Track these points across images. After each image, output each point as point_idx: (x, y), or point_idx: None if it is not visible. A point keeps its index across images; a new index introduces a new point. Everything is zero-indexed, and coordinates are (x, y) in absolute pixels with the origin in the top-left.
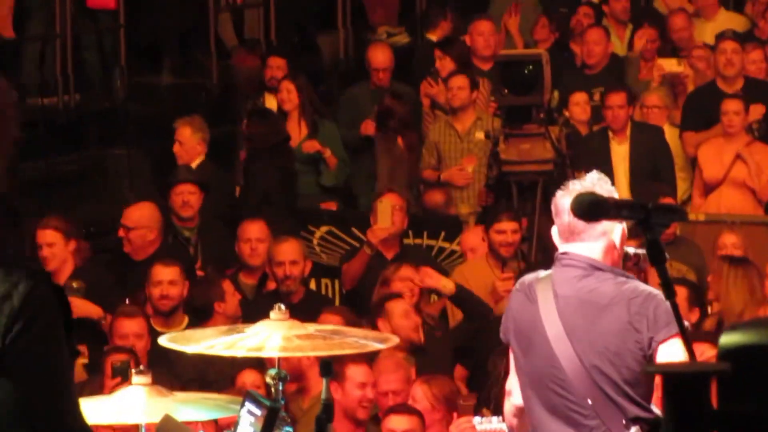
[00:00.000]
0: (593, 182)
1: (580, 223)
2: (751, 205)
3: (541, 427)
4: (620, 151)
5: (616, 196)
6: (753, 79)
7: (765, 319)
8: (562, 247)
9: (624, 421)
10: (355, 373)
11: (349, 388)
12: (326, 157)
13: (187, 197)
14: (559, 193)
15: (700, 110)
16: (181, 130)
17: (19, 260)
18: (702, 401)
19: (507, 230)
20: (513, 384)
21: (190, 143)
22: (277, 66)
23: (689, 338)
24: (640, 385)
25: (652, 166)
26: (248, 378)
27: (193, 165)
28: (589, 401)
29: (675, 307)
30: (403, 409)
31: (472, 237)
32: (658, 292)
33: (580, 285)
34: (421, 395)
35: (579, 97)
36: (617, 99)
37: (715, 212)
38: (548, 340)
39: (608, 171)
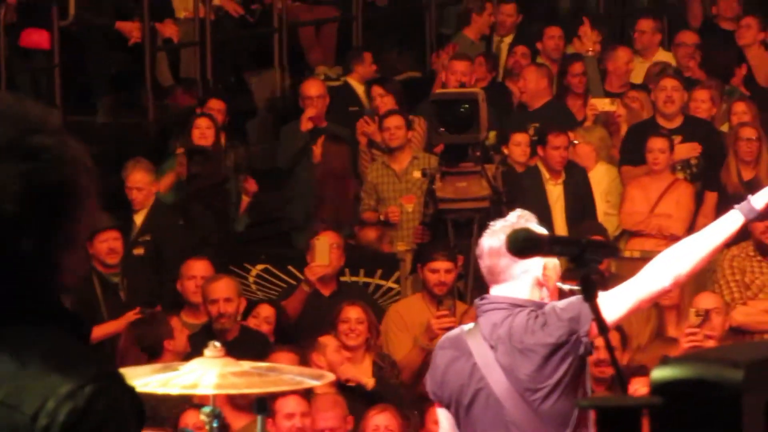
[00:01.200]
0: (516, 221)
1: (499, 265)
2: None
3: None
4: (556, 192)
5: (542, 231)
6: (692, 117)
7: (698, 353)
8: (491, 290)
9: None
10: (283, 405)
11: (279, 420)
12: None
13: (112, 244)
14: (486, 234)
15: (639, 146)
16: (134, 176)
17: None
18: None
19: (441, 269)
20: None
21: (147, 188)
22: (218, 109)
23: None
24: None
25: (581, 205)
26: (190, 418)
27: (147, 207)
28: None
29: (608, 343)
30: None
31: None
32: (558, 302)
33: (504, 326)
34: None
35: (519, 138)
36: (558, 141)
37: (641, 249)
38: (492, 391)
39: (545, 209)
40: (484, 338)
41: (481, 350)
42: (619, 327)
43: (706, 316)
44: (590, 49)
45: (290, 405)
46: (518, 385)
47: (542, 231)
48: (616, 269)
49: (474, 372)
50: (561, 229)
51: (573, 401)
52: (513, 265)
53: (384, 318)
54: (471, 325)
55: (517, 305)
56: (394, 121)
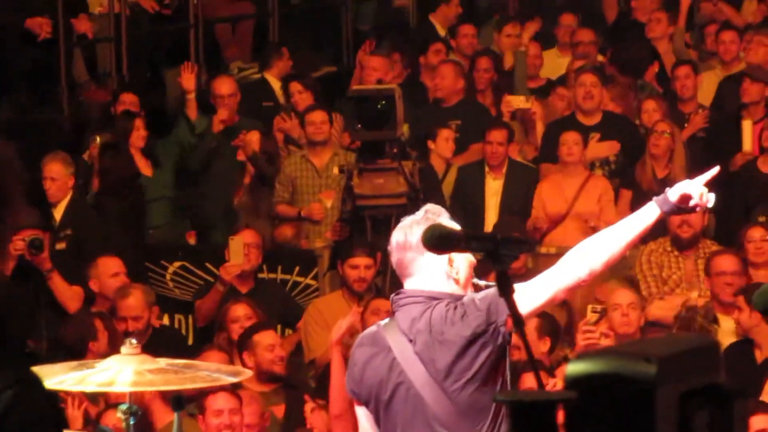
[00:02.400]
0: (423, 215)
1: (406, 258)
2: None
3: None
4: (494, 186)
5: (454, 225)
6: (611, 113)
7: (611, 348)
8: (405, 284)
9: None
10: (213, 402)
11: (208, 417)
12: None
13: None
14: (398, 228)
15: (558, 143)
16: (50, 167)
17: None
18: (548, 429)
19: (360, 265)
20: None
21: (62, 179)
22: (129, 102)
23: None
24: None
25: (521, 204)
26: (110, 418)
27: (64, 201)
28: None
29: (524, 336)
30: None
31: None
32: (477, 293)
33: (423, 319)
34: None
35: (446, 134)
36: (498, 135)
37: (558, 246)
38: (412, 384)
39: (480, 204)
40: (402, 332)
41: (400, 344)
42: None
43: (603, 313)
44: (524, 45)
45: (219, 402)
46: (438, 377)
47: (454, 226)
48: (533, 265)
49: (393, 366)
50: (491, 223)
51: (492, 392)
52: (419, 258)
53: (304, 315)
54: (387, 320)
55: (434, 298)
56: (319, 116)
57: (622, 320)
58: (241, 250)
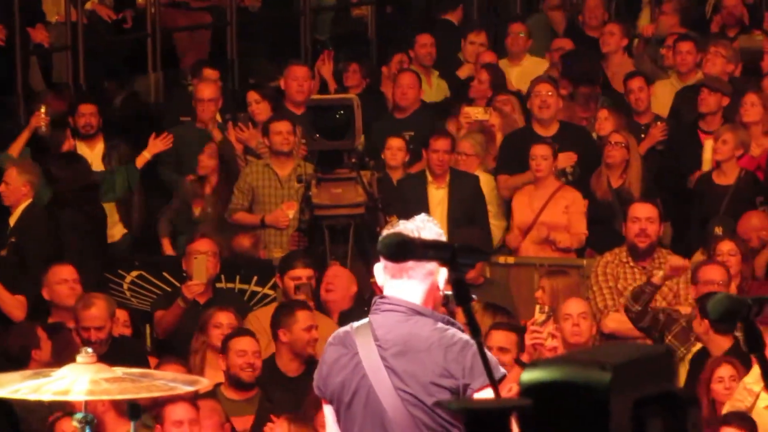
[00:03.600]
0: (422, 223)
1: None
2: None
3: None
4: (438, 196)
5: (444, 238)
6: (568, 123)
7: (565, 355)
8: (387, 285)
9: None
10: (172, 412)
11: (167, 428)
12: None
13: None
14: (385, 232)
15: (515, 154)
16: (9, 172)
17: None
18: None
19: (302, 276)
20: None
21: (15, 184)
22: (89, 113)
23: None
24: (459, 425)
25: (467, 212)
26: (67, 426)
27: (20, 208)
28: None
29: (480, 347)
30: None
31: None
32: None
33: (400, 330)
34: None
35: (393, 142)
36: (442, 144)
37: (527, 255)
38: (372, 388)
39: (425, 213)
40: (374, 337)
41: (368, 349)
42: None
43: (550, 313)
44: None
45: (179, 412)
46: (402, 389)
47: (442, 237)
48: (491, 275)
49: (357, 370)
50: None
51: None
52: (424, 264)
53: (244, 323)
54: (363, 321)
55: (416, 312)
56: (284, 127)
57: (573, 330)
58: (204, 269)
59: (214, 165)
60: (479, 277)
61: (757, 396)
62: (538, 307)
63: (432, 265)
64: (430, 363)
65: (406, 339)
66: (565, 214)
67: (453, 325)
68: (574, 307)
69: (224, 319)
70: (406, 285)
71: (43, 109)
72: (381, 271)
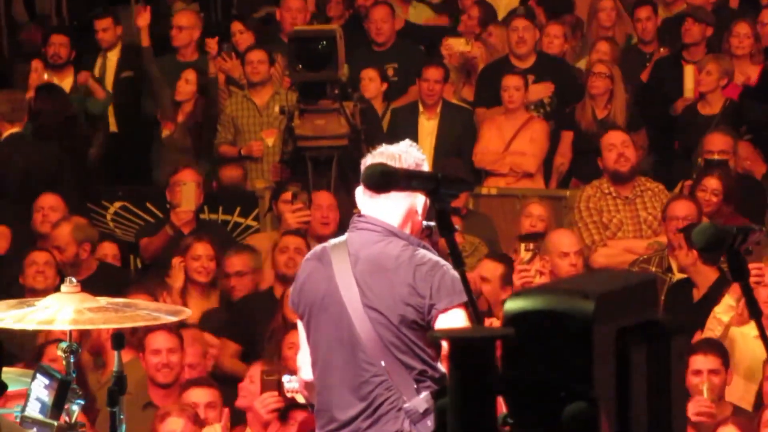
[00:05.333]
0: (405, 149)
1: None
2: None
3: (332, 392)
4: (428, 127)
5: (425, 165)
6: (546, 55)
7: (549, 285)
8: (365, 205)
9: (415, 386)
10: (151, 341)
11: (148, 356)
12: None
13: None
14: (369, 155)
15: (493, 86)
16: None
17: None
18: (486, 366)
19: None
20: (302, 359)
21: None
22: (59, 43)
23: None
24: (427, 346)
25: (456, 145)
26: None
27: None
28: (383, 363)
29: (463, 275)
30: (202, 381)
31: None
32: (446, 263)
33: (374, 248)
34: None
35: (369, 73)
36: (434, 74)
37: (497, 186)
38: (343, 303)
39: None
40: (349, 253)
41: (343, 265)
42: None
43: (536, 250)
44: None
45: (158, 341)
46: (371, 306)
47: (424, 164)
48: (474, 206)
49: (330, 284)
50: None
51: (423, 334)
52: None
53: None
54: (342, 238)
55: (392, 233)
56: (257, 56)
57: (570, 269)
58: (193, 196)
59: (191, 92)
60: (463, 208)
61: (726, 326)
62: (522, 245)
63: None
64: (398, 282)
65: (378, 257)
66: (531, 145)
67: (425, 248)
68: (567, 243)
69: (202, 250)
70: (384, 205)
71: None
72: (360, 191)
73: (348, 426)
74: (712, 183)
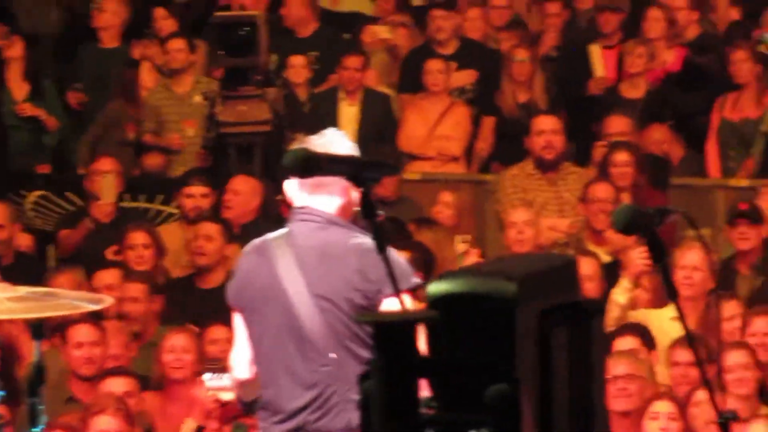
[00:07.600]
0: (333, 137)
1: (326, 178)
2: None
3: (279, 384)
4: (350, 113)
5: (356, 153)
6: (469, 40)
7: (471, 267)
8: (304, 200)
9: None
10: (73, 333)
11: (70, 350)
12: (44, 119)
13: None
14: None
15: (416, 72)
16: None
17: None
18: (410, 349)
19: (196, 194)
20: (237, 357)
21: None
22: None
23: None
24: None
25: (378, 131)
26: None
27: None
28: (331, 355)
29: (387, 260)
30: (120, 371)
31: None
32: (391, 249)
33: (317, 237)
34: None
35: (296, 60)
36: (353, 62)
37: (422, 171)
38: (287, 295)
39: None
40: (291, 245)
41: (286, 256)
42: None
43: (472, 243)
44: None
45: (80, 334)
46: (318, 294)
47: (353, 151)
48: (401, 192)
49: (273, 276)
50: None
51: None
52: (341, 179)
53: None
54: (282, 231)
55: (333, 222)
56: (175, 44)
57: (517, 237)
58: (113, 188)
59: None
60: (392, 196)
61: (622, 307)
62: (458, 237)
63: (345, 183)
64: (346, 268)
65: (323, 246)
66: (454, 130)
67: (365, 235)
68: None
69: (139, 239)
70: (321, 198)
71: None
72: (296, 188)
73: (295, 418)
74: (622, 156)
